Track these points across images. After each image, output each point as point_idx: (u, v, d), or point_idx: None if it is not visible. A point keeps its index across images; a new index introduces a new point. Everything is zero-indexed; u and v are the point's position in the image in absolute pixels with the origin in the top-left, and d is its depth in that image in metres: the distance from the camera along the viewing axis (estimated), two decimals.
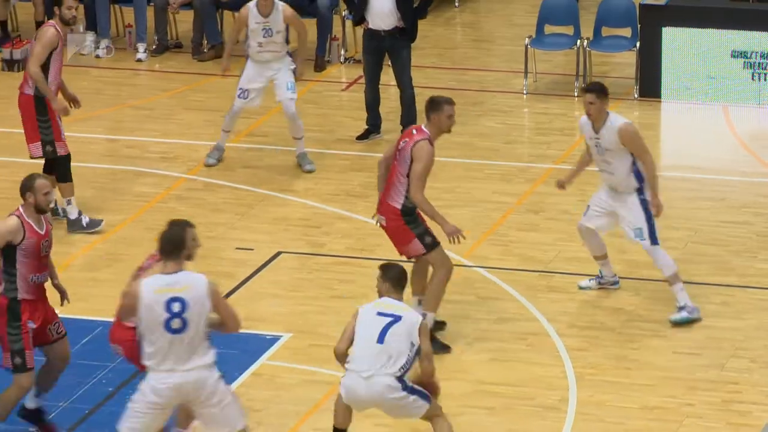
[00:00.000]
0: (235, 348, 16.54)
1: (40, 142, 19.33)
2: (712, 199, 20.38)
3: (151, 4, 25.09)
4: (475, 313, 17.61)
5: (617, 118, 17.38)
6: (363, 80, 22.76)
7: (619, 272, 18.37)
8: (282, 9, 20.85)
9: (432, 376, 14.30)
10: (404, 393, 14.04)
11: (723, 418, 15.55)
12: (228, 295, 17.61)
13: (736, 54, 22.57)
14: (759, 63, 22.66)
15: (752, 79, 22.59)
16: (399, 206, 16.75)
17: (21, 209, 14.58)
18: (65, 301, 15.59)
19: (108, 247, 19.57)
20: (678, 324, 17.18)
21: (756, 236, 19.37)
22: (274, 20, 20.75)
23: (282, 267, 19.23)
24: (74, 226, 19.33)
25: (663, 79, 22.53)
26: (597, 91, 17.45)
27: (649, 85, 22.56)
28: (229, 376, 14.50)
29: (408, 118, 21.67)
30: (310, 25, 23.70)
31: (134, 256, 17.55)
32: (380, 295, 14.21)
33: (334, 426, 14.37)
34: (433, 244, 16.58)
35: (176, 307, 13.15)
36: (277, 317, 18.17)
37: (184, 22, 25.60)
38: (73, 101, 19.39)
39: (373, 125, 22.08)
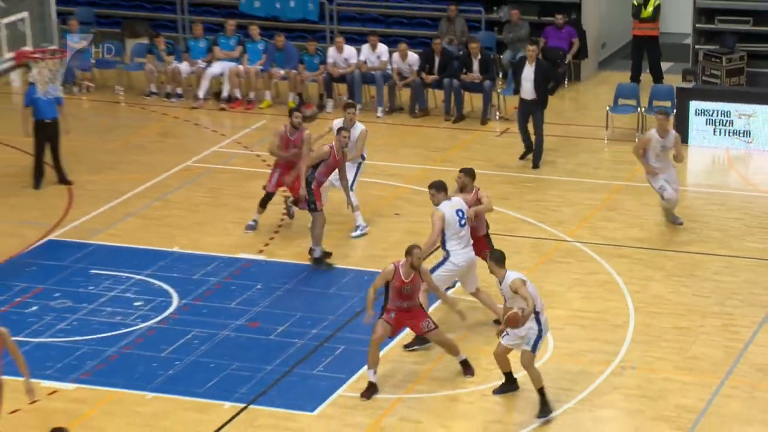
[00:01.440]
0: None
1: None
2: (719, 204, 20.70)
3: (386, 84, 24.79)
4: (574, 269, 18.42)
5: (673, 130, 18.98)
6: (510, 130, 23.51)
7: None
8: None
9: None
10: None
11: (722, 335, 16.58)
12: None
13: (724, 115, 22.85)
14: (722, 121, 22.88)
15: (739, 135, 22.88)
16: None
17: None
18: None
19: None
20: None
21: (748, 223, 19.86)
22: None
23: None
24: None
25: (690, 131, 22.81)
26: (666, 113, 19.43)
27: (682, 134, 21.93)
28: None
29: (538, 152, 22.21)
30: (477, 98, 24.38)
31: None
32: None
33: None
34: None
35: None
36: None
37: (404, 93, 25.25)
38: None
39: (528, 148, 22.31)
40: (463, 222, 16.11)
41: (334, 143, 18.44)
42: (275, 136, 19.21)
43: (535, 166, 22.22)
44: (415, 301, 15.20)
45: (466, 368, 15.64)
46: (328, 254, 18.62)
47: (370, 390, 15.23)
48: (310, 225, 18.20)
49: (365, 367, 15.12)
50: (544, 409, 14.66)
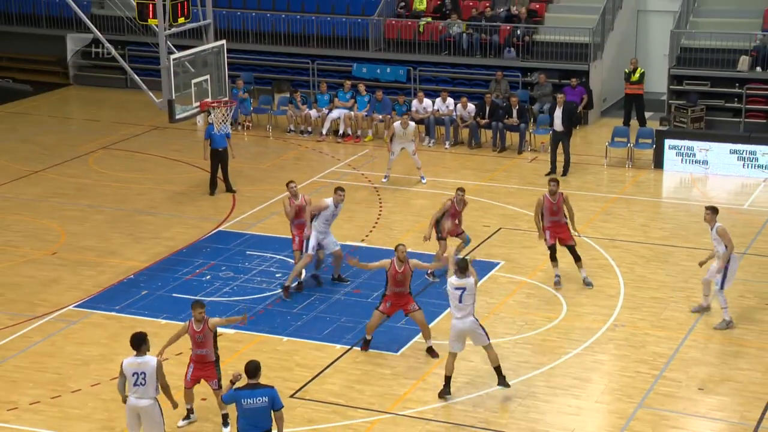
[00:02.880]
0: None
1: None
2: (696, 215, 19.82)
3: (452, 125, 24.50)
4: (581, 256, 17.30)
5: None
6: (538, 158, 23.24)
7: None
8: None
9: None
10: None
11: (685, 303, 16.06)
12: None
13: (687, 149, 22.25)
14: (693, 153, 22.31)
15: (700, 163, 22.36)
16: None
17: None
18: None
19: None
20: None
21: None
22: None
23: None
24: None
25: (665, 160, 22.37)
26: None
27: (658, 162, 22.41)
28: None
29: (566, 166, 21.94)
30: (515, 136, 23.87)
31: None
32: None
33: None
34: None
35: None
36: None
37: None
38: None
39: (553, 168, 22.05)
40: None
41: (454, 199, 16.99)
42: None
43: (564, 174, 21.95)
44: (406, 288, 14.42)
45: (432, 353, 14.63)
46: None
47: (366, 345, 14.80)
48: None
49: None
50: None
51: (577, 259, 16.57)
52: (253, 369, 10.84)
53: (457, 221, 16.74)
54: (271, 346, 15.03)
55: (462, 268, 13.01)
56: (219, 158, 21.31)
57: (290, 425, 12.91)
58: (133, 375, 11.34)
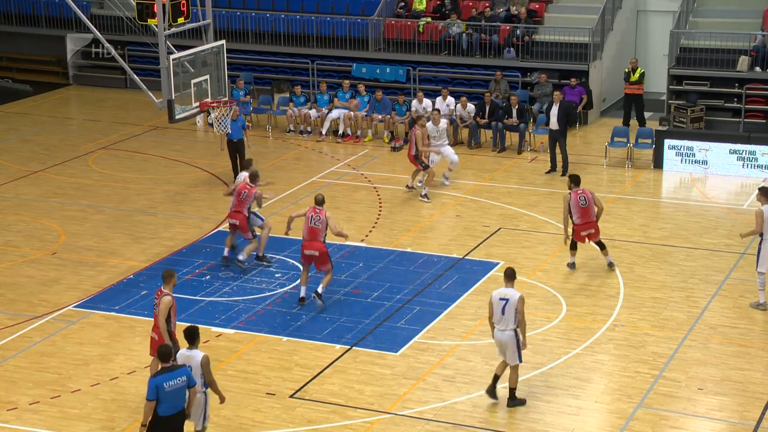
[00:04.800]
0: None
1: None
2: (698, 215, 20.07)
3: (452, 125, 24.09)
4: (581, 255, 17.64)
5: None
6: (538, 158, 23.17)
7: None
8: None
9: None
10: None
11: (685, 303, 16.18)
12: None
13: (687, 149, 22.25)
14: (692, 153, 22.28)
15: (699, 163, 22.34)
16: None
17: None
18: None
19: None
20: None
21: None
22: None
23: None
24: None
25: (664, 160, 22.37)
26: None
27: (658, 162, 22.46)
28: None
29: (564, 165, 21.95)
30: (514, 136, 23.89)
31: None
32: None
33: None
34: None
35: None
36: None
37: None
38: None
39: (552, 167, 22.16)
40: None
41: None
42: None
43: (563, 174, 21.77)
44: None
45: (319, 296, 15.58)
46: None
47: (302, 301, 15.74)
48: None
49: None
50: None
51: (602, 247, 17.06)
52: (165, 352, 11.05)
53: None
54: (270, 346, 15.01)
55: (509, 275, 12.90)
56: (235, 149, 21.39)
57: (290, 425, 12.93)
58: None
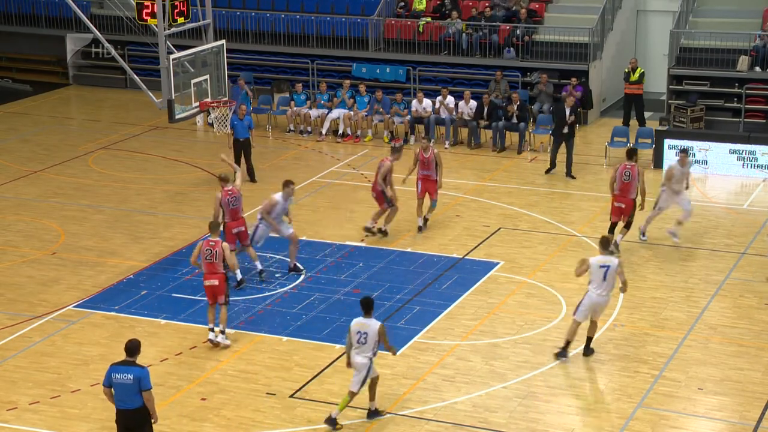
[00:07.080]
0: None
1: None
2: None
3: (452, 125, 24.46)
4: (582, 256, 17.76)
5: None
6: (539, 158, 23.20)
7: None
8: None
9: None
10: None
11: (685, 303, 16.17)
12: None
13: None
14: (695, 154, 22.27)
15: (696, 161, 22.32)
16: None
17: None
18: None
19: None
20: None
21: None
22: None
23: None
24: None
25: (664, 160, 22.20)
26: (684, 152, 18.32)
27: (657, 161, 22.49)
28: None
29: (569, 164, 21.88)
30: (514, 136, 24.07)
31: None
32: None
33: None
34: None
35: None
36: None
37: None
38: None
39: (552, 166, 22.22)
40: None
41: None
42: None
43: (567, 175, 22.06)
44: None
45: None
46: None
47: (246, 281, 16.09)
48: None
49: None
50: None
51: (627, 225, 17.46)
52: (130, 347, 11.20)
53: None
54: (270, 346, 14.98)
55: (603, 243, 13.70)
56: (241, 148, 21.49)
57: (290, 425, 12.92)
58: (356, 333, 12.46)
